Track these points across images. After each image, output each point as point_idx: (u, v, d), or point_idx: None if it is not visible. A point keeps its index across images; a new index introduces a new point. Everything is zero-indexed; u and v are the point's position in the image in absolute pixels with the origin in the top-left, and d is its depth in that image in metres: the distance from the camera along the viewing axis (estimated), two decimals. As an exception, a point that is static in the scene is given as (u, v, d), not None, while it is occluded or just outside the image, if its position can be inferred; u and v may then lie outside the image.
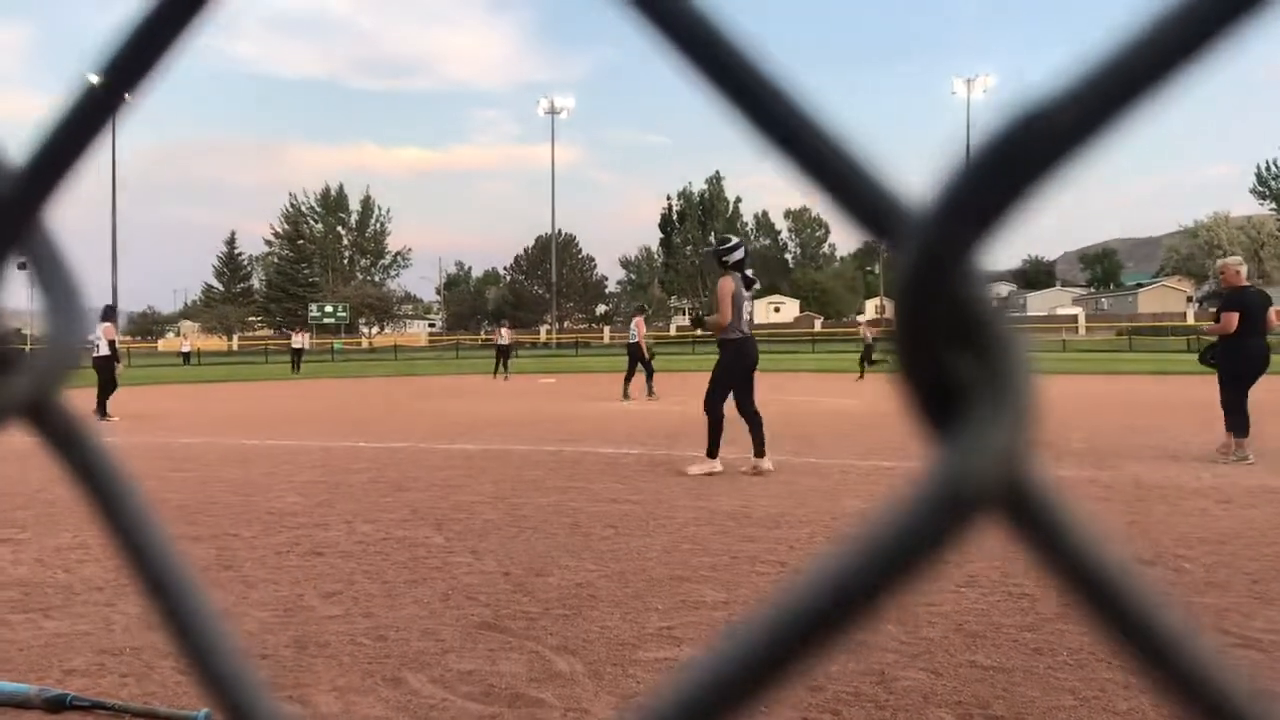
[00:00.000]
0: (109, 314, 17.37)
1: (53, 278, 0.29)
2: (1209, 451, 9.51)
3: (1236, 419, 9.03)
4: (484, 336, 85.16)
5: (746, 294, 8.90)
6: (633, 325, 21.27)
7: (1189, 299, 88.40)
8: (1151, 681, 0.21)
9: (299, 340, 38.07)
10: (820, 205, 0.23)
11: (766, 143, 0.22)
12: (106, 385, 16.24)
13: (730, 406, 8.75)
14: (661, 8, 0.23)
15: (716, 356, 8.94)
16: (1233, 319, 9.11)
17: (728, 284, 8.70)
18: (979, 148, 0.20)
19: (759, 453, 8.69)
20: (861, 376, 26.11)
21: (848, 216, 0.22)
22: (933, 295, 0.20)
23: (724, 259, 8.88)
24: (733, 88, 0.22)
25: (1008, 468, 0.19)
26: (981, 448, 0.19)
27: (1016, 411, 0.20)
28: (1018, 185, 0.19)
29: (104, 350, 16.36)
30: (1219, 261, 9.66)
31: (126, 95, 0.30)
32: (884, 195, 0.22)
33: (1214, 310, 9.32)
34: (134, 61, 0.29)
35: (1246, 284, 9.33)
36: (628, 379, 20.36)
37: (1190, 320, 67.47)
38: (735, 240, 9.05)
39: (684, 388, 21.13)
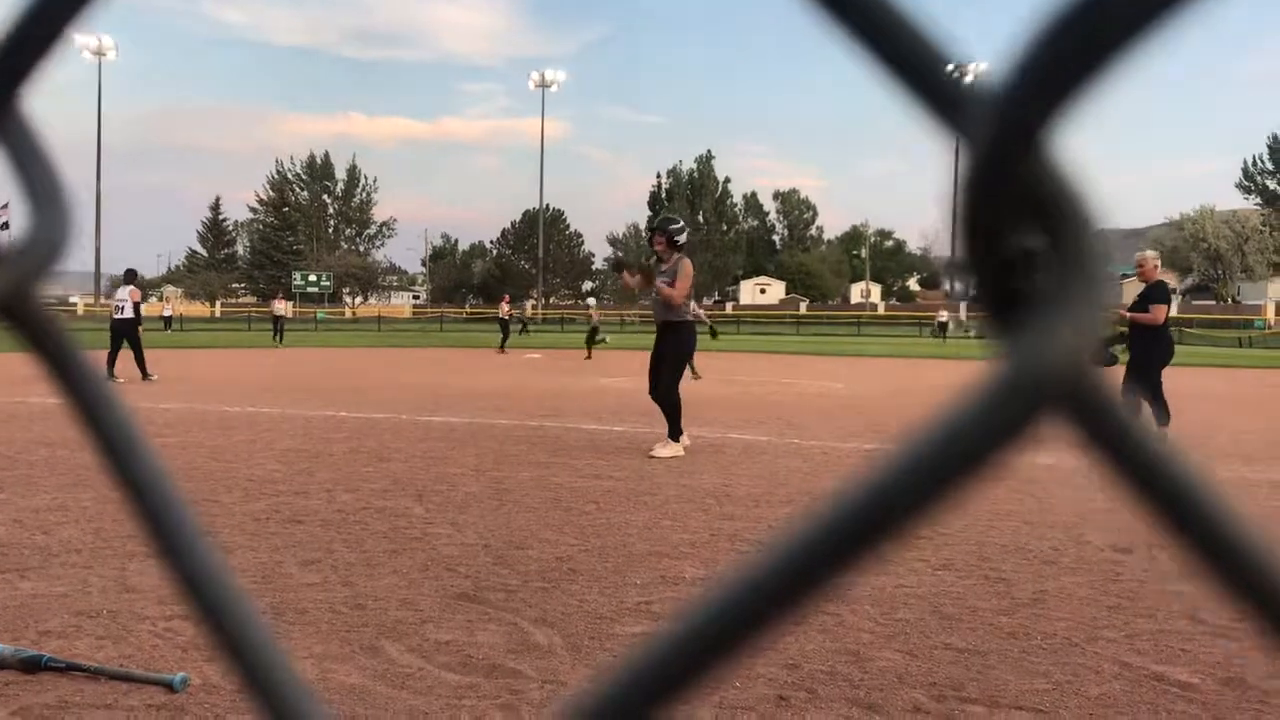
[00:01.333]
0: (132, 277, 17.31)
1: (32, 170, 0.28)
2: (1188, 445, 9.56)
3: (1161, 407, 9.20)
4: (469, 310, 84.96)
5: None
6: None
7: (1173, 291, 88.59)
8: (1216, 580, 0.20)
9: (280, 307, 35.41)
10: (887, 86, 0.21)
11: (826, 17, 0.20)
12: (136, 347, 16.34)
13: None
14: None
15: (666, 336, 8.72)
16: (1163, 310, 9.38)
17: (690, 265, 8.63)
18: (1053, 17, 0.19)
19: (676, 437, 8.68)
20: (589, 356, 26.26)
21: (915, 95, 0.21)
22: (1007, 177, 0.19)
23: (675, 238, 8.73)
24: None
25: (1076, 365, 0.19)
26: (1051, 343, 0.19)
27: (1088, 306, 0.19)
28: (1094, 57, 0.18)
29: (129, 313, 16.40)
30: (1138, 255, 9.90)
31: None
32: (951, 69, 0.21)
33: (1129, 304, 9.58)
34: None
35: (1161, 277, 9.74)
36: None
37: (1174, 312, 67.67)
38: (682, 223, 9.08)
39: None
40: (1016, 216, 0.19)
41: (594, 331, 28.65)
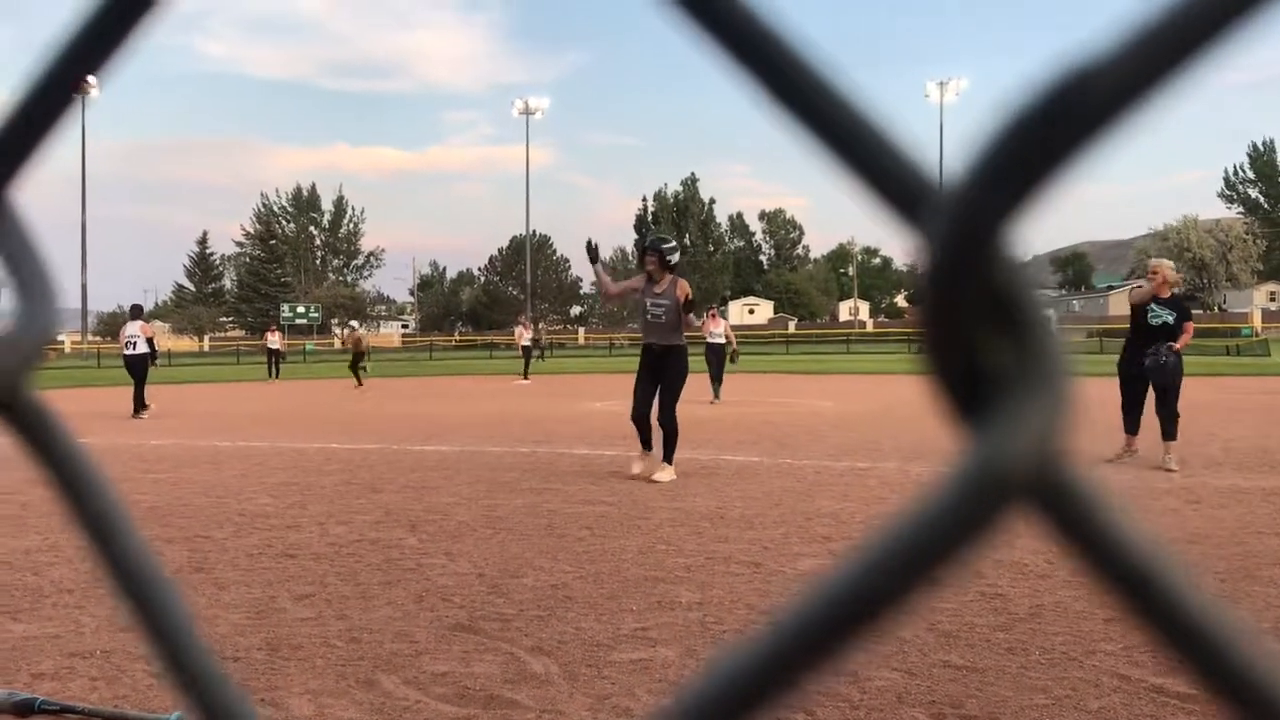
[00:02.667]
0: (139, 312, 17.40)
1: (21, 262, 0.29)
2: (1183, 453, 9.49)
3: (1176, 424, 9.02)
4: (458, 338, 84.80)
5: None
6: (715, 324, 19.36)
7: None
8: (1184, 668, 0.21)
9: (274, 340, 33.39)
10: (846, 185, 0.22)
11: (789, 117, 0.21)
12: (142, 381, 16.40)
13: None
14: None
15: (665, 360, 8.45)
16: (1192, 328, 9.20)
17: (687, 285, 8.38)
18: (1014, 116, 0.19)
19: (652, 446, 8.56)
20: (360, 384, 25.94)
21: (874, 194, 0.21)
22: (965, 273, 0.19)
23: (667, 257, 8.43)
24: (754, 60, 0.21)
25: (1042, 455, 0.19)
26: (1016, 434, 0.19)
27: (1052, 396, 0.19)
28: (1055, 156, 0.19)
29: (142, 348, 16.48)
30: (1154, 261, 9.44)
31: (91, 78, 0.29)
32: (913, 171, 0.21)
33: (1171, 319, 9.07)
34: (98, 41, 0.28)
35: None
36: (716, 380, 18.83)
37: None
38: (675, 242, 8.79)
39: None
40: (976, 313, 0.20)
41: (358, 357, 27.95)
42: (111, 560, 0.32)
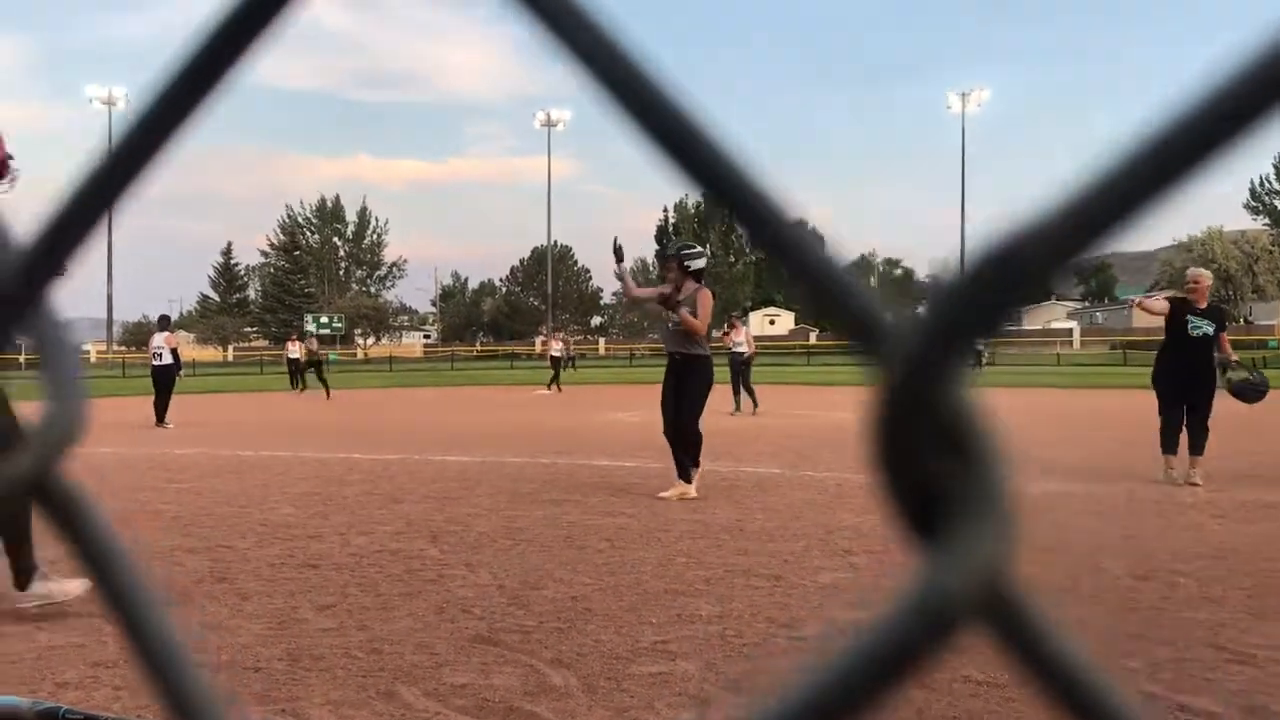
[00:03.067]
0: (166, 323, 17.60)
1: (51, 352, 0.30)
2: (1207, 467, 9.37)
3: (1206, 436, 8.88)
4: (479, 348, 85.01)
5: None
6: (738, 334, 19.07)
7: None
8: None
9: (295, 349, 31.88)
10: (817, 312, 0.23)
11: (754, 245, 0.23)
12: (166, 393, 16.58)
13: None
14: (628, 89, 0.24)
15: (683, 371, 8.15)
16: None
17: (709, 296, 8.08)
18: (963, 272, 0.21)
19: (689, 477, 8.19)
20: (302, 390, 25.97)
21: (833, 325, 0.22)
22: (915, 405, 0.21)
23: (686, 264, 8.10)
24: (722, 195, 0.23)
25: (990, 579, 0.20)
26: (963, 559, 0.20)
27: (997, 522, 0.20)
28: (998, 307, 0.20)
29: (167, 359, 16.68)
30: (1193, 271, 9.31)
31: (137, 170, 0.31)
32: (868, 310, 0.22)
33: (1210, 330, 8.89)
34: (148, 130, 0.30)
35: None
36: (745, 390, 18.44)
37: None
38: (701, 249, 8.41)
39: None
40: (927, 442, 0.21)
41: (316, 364, 27.59)
42: (132, 633, 0.34)
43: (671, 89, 0.25)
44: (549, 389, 28.79)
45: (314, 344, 29.53)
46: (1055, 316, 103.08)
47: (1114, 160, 0.19)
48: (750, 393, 18.31)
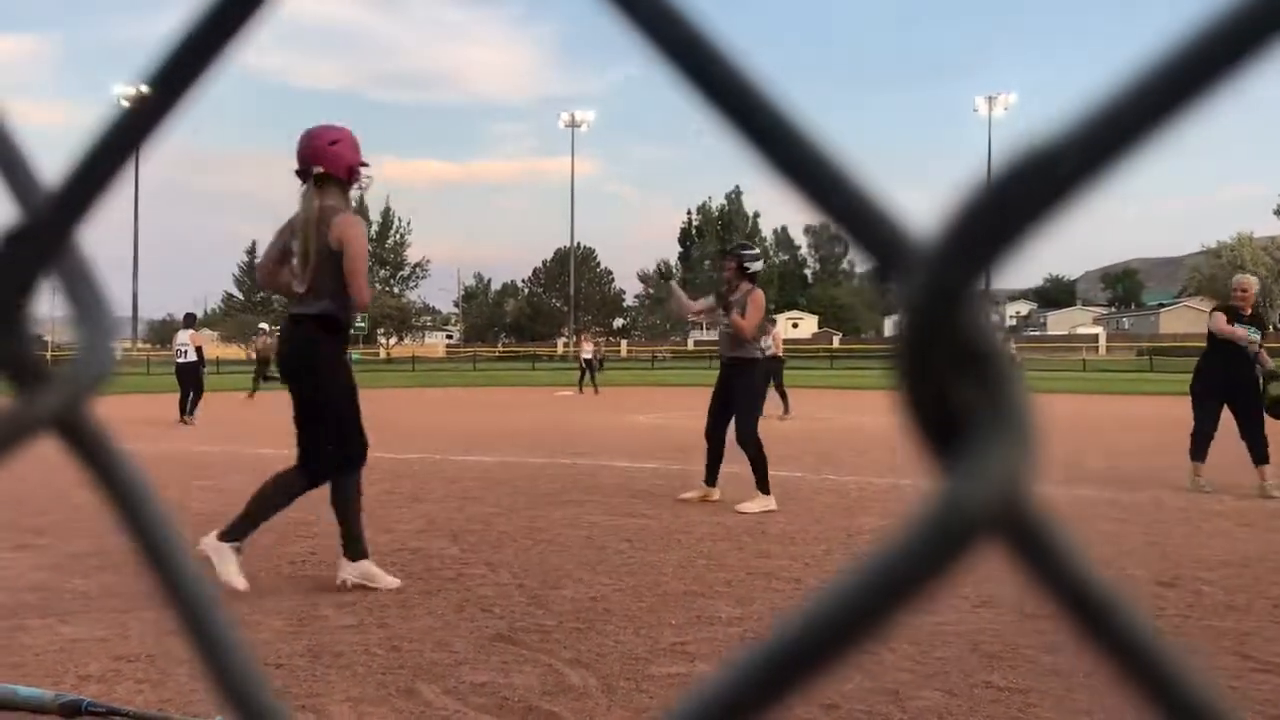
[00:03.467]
0: (191, 321, 17.83)
1: (81, 292, 0.30)
2: (1231, 474, 9.26)
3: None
4: (501, 349, 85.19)
5: None
6: (768, 336, 18.97)
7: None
8: (1138, 695, 0.22)
9: (587, 350, 31.11)
10: (830, 226, 0.23)
11: (772, 171, 0.22)
12: (196, 390, 16.75)
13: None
14: (668, 33, 0.24)
15: (733, 375, 7.87)
16: None
17: (762, 296, 7.81)
18: (983, 184, 0.20)
19: (715, 481, 7.93)
20: (251, 395, 24.48)
21: (855, 244, 0.22)
22: (937, 325, 0.20)
23: (745, 265, 7.90)
24: (737, 116, 0.23)
25: (1008, 494, 0.20)
26: (982, 474, 0.20)
27: (1017, 438, 0.20)
28: (1021, 222, 0.20)
29: (191, 356, 16.86)
30: (1240, 279, 9.23)
31: (162, 115, 0.31)
32: (889, 226, 0.22)
33: (1258, 336, 8.75)
34: (174, 77, 0.30)
35: None
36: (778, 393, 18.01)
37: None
38: (758, 250, 8.26)
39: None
40: (948, 361, 0.21)
41: (263, 364, 25.70)
42: (159, 570, 0.34)
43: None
44: (580, 390, 28.54)
45: (267, 343, 27.17)
46: (1082, 322, 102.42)
47: (1139, 71, 0.19)
48: (783, 396, 18.17)
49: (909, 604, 0.20)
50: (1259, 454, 8.58)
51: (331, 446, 5.03)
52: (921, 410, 0.21)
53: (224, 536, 4.96)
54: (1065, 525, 0.21)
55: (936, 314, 0.20)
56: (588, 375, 29.53)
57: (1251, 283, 9.18)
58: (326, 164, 4.92)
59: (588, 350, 30.84)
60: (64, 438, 0.31)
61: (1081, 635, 0.22)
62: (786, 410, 17.95)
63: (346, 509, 5.17)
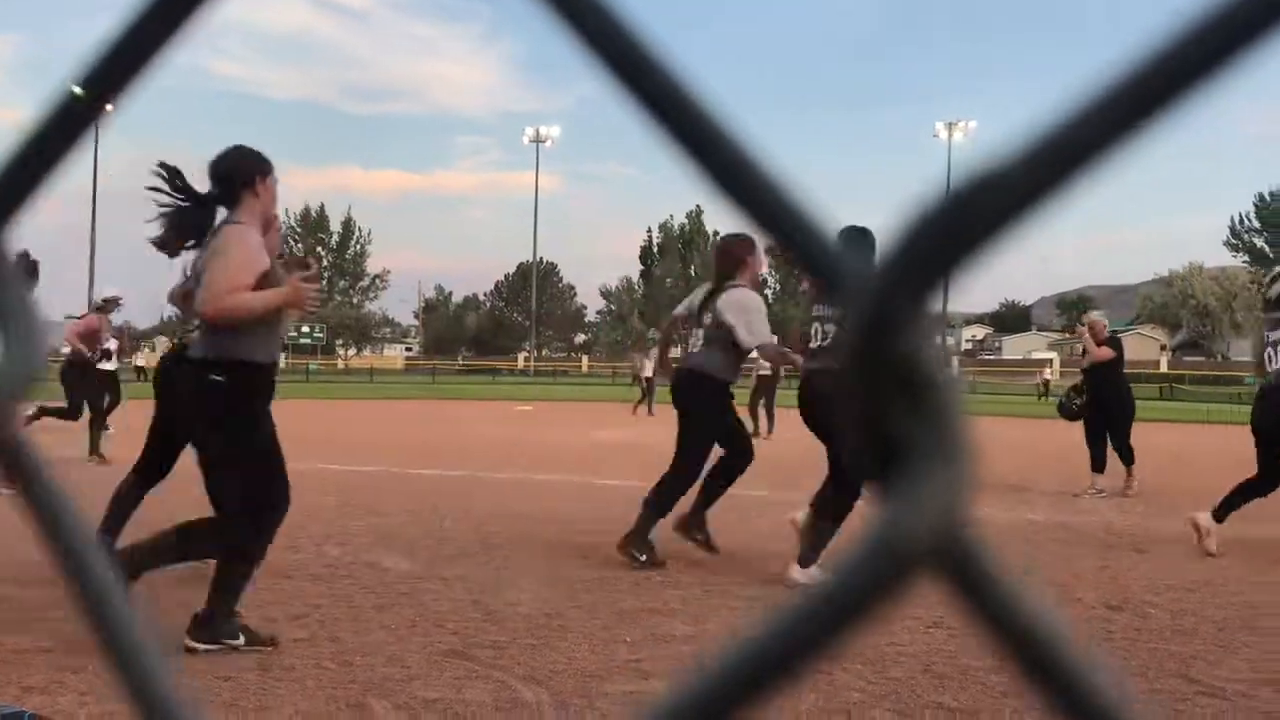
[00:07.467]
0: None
1: (6, 303, 0.30)
2: (1175, 499, 9.44)
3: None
4: (461, 362, 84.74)
5: None
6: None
7: (1163, 347, 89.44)
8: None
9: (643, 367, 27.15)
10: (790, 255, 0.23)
11: (719, 194, 0.23)
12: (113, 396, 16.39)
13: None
14: (611, 49, 0.24)
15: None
16: None
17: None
18: (926, 210, 0.21)
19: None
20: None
21: (799, 269, 0.22)
22: (878, 353, 0.21)
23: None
24: (687, 140, 0.23)
25: (942, 526, 0.20)
26: (917, 506, 0.20)
27: (954, 469, 0.20)
28: (963, 248, 0.20)
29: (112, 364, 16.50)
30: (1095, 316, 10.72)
31: (95, 115, 0.30)
32: (832, 254, 0.22)
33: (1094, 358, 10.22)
34: (110, 75, 0.30)
35: None
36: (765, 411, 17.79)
37: (1164, 368, 68.31)
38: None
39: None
40: (889, 386, 0.21)
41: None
42: (78, 587, 0.34)
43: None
44: (635, 411, 24.78)
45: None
46: (1036, 347, 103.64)
47: (1082, 98, 0.19)
48: (770, 415, 18.21)
49: (852, 629, 0.20)
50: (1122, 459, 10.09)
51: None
52: (863, 437, 0.21)
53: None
54: (999, 554, 0.22)
55: (876, 343, 0.21)
56: (646, 395, 25.40)
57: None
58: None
59: (648, 367, 25.14)
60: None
61: (1011, 662, 0.22)
62: (770, 429, 18.03)
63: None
